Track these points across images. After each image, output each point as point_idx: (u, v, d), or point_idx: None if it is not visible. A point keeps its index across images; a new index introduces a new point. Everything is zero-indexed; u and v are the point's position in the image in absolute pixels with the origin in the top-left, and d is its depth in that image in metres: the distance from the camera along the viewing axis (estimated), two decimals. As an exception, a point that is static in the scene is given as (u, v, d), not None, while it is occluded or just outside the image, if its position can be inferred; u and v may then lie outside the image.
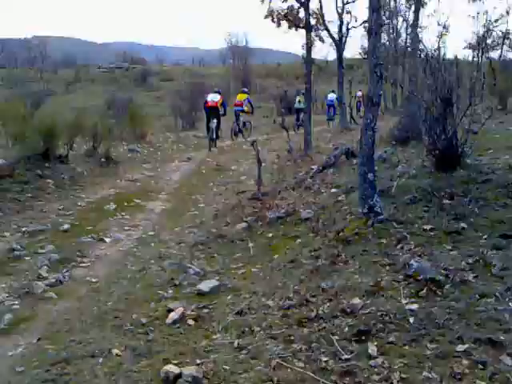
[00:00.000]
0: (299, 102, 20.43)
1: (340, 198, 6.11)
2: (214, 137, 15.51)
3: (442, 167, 5.69)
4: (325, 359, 2.98)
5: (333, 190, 6.63)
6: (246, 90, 19.66)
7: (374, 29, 4.85)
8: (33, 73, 46.03)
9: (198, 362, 3.15)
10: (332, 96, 22.80)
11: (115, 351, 3.40)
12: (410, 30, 24.71)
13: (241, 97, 18.02)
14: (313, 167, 8.66)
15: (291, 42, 29.47)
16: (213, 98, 15.92)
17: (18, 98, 15.82)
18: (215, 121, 15.50)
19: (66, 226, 6.91)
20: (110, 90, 35.56)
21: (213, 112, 15.58)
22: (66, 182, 9.61)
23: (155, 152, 14.64)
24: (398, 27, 31.26)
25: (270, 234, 5.79)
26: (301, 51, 16.92)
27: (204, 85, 29.71)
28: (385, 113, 23.61)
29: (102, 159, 11.58)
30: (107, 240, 6.47)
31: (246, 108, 17.65)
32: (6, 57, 52.50)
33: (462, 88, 6.13)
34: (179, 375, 2.96)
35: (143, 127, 16.13)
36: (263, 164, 8.43)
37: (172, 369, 3.01)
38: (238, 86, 41.26)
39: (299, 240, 5.29)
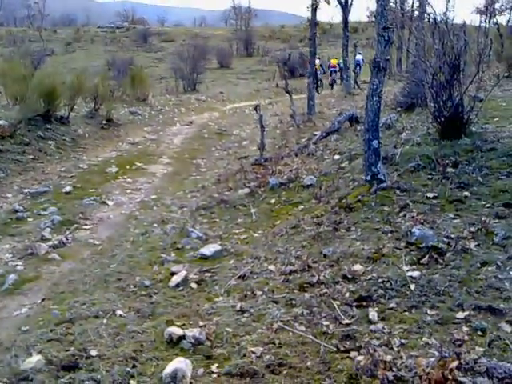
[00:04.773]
0: (362, 60, 23.46)
1: (343, 165, 6.09)
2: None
3: (447, 135, 5.64)
4: (326, 323, 3.03)
5: (336, 157, 6.60)
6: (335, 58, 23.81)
7: (383, -9, 4.71)
8: (32, 32, 45.17)
9: (201, 324, 3.19)
10: (359, 57, 24.22)
11: (119, 312, 3.44)
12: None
13: (334, 61, 22.98)
14: (316, 133, 8.60)
15: (295, 3, 28.79)
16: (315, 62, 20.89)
17: (17, 57, 15.56)
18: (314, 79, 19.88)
19: (67, 188, 6.91)
20: (111, 50, 35.03)
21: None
22: (67, 143, 9.57)
23: (156, 115, 14.51)
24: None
25: (273, 200, 5.79)
26: (305, 13, 16.84)
27: (206, 46, 29.21)
28: (390, 78, 23.33)
29: (103, 121, 11.51)
30: (109, 203, 6.49)
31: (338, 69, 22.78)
32: (4, 15, 51.44)
33: (469, 54, 6.02)
34: (182, 337, 3.01)
35: (144, 89, 15.94)
36: (266, 129, 8.36)
37: (175, 330, 3.06)
38: (240, 47, 40.60)
39: (301, 206, 5.29)
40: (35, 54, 26.10)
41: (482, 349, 2.52)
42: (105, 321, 3.33)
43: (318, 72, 20.80)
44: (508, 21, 26.35)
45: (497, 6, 25.91)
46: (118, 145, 10.46)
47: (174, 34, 46.61)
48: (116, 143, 10.58)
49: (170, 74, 25.24)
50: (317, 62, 20.10)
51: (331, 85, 23.02)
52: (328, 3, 17.11)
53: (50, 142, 9.17)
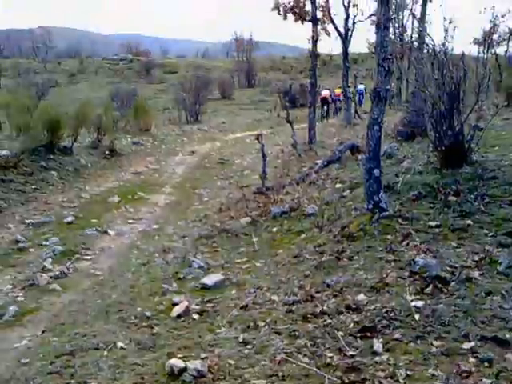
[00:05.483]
0: (365, 89, 25.14)
1: (345, 194, 6.09)
2: (325, 115, 22.35)
3: (448, 163, 5.65)
4: (330, 355, 2.97)
5: (337, 186, 6.61)
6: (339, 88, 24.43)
7: (382, 22, 4.80)
8: (37, 63, 45.92)
9: (203, 356, 3.14)
10: (362, 86, 26.05)
11: (120, 344, 3.40)
12: (416, 24, 24.53)
13: (338, 91, 23.73)
14: (317, 162, 8.64)
15: (296, 35, 29.34)
16: (324, 92, 22.39)
17: (22, 88, 15.78)
18: (325, 107, 22.44)
19: (69, 218, 6.92)
20: (114, 81, 35.54)
21: (324, 101, 22.17)
22: (70, 173, 9.63)
23: (159, 145, 14.63)
24: (404, 21, 30.94)
25: (275, 229, 5.77)
26: (305, 45, 17.24)
27: (208, 77, 29.57)
28: (390, 107, 23.66)
29: (106, 151, 11.60)
30: (111, 233, 6.48)
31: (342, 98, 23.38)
32: (10, 47, 52.40)
33: (469, 84, 6.08)
34: (184, 369, 2.96)
35: (147, 120, 16.11)
36: (267, 158, 8.40)
37: (177, 362, 3.01)
38: (242, 78, 41.17)
39: (304, 235, 5.27)
40: (39, 85, 26.45)
41: (489, 380, 2.47)
42: (105, 353, 3.28)
43: (330, 101, 22.65)
44: (506, 51, 26.73)
45: (495, 37, 26.34)
46: (121, 175, 10.51)
47: (177, 65, 47.30)
48: (118, 173, 10.63)
49: (173, 104, 25.47)
50: (327, 92, 22.42)
51: (335, 114, 24.02)
52: (328, 35, 17.45)
53: (52, 172, 9.23)
